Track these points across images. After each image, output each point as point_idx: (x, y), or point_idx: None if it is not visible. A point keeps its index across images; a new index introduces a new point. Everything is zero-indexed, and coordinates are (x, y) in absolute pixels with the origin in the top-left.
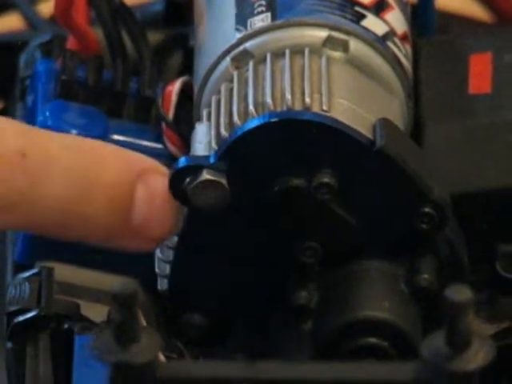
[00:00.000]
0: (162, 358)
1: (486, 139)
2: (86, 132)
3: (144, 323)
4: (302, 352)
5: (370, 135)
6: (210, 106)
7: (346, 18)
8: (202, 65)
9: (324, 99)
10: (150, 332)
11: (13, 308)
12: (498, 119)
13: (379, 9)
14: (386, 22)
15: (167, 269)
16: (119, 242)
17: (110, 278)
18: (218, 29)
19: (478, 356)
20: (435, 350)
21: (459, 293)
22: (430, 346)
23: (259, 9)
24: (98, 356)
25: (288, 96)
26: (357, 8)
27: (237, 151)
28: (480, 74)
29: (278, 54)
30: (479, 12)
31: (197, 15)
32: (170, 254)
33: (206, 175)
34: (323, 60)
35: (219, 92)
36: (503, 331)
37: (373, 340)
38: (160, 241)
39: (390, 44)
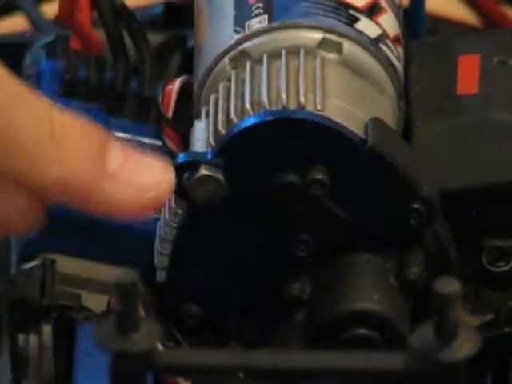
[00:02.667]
0: (159, 346)
1: (473, 138)
2: None
3: (143, 313)
4: (295, 342)
5: (361, 134)
6: (208, 104)
7: (340, 20)
8: (201, 64)
9: (318, 99)
10: (149, 321)
11: (16, 299)
12: (485, 118)
13: (372, 12)
14: (378, 24)
15: (166, 261)
16: (102, 187)
17: (111, 269)
18: (216, 30)
19: (464, 346)
20: (424, 341)
21: (448, 285)
22: (418, 336)
23: (257, 11)
24: (99, 344)
25: (283, 95)
26: (351, 11)
27: (233, 148)
28: (468, 74)
29: (274, 55)
30: (467, 15)
31: (197, 17)
32: (169, 247)
33: (203, 171)
34: (318, 61)
35: (217, 91)
36: (487, 324)
37: (363, 331)
38: (151, 192)
39: (382, 46)
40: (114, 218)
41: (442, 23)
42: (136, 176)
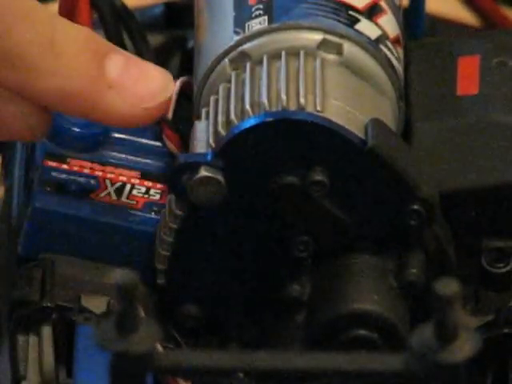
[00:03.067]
0: (159, 348)
1: (473, 139)
2: (87, 129)
3: (143, 314)
4: (295, 343)
5: (361, 135)
6: (208, 105)
7: (340, 21)
8: (201, 65)
9: (318, 100)
10: (149, 322)
11: (16, 299)
12: (485, 119)
13: (372, 13)
14: (378, 25)
15: (165, 263)
16: (100, 96)
17: (111, 270)
18: (216, 31)
19: (464, 348)
20: (423, 342)
21: (447, 286)
22: (418, 337)
23: (257, 12)
24: (99, 345)
25: (283, 96)
26: (351, 12)
27: (233, 149)
28: (468, 75)
29: (275, 56)
30: (467, 16)
31: (196, 17)
32: (169, 249)
33: (203, 172)
34: (318, 62)
35: (217, 92)
36: (487, 324)
37: (362, 332)
38: (150, 102)
39: (382, 47)
40: (113, 126)
41: (441, 24)
42: (136, 85)
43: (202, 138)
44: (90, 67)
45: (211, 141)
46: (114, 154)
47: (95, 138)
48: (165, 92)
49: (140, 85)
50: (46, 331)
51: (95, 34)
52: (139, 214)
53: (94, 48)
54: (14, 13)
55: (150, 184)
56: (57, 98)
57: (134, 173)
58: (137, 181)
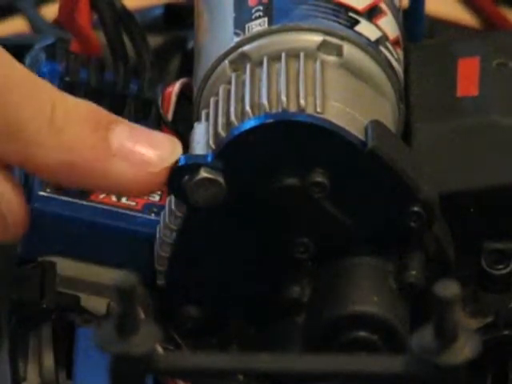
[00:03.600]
0: (159, 349)
1: (473, 140)
2: None
3: (143, 315)
4: (295, 344)
5: (361, 137)
6: (208, 106)
7: (340, 23)
8: (201, 67)
9: (318, 101)
10: (148, 324)
11: (16, 301)
12: (485, 121)
13: (372, 14)
14: (378, 27)
15: (166, 264)
16: (107, 166)
17: (110, 272)
18: (217, 32)
19: (464, 349)
20: (424, 344)
21: (447, 288)
22: (418, 339)
23: (257, 14)
24: (99, 346)
25: (283, 98)
26: (350, 14)
27: (233, 150)
28: (468, 77)
29: (275, 58)
30: (467, 17)
31: (196, 19)
32: (169, 250)
33: (203, 173)
34: (318, 64)
35: (217, 93)
36: (487, 326)
37: (362, 333)
38: (157, 167)
39: (382, 48)
40: (123, 195)
41: (441, 25)
42: (141, 151)
43: (202, 139)
44: (92, 139)
45: (211, 142)
46: None
47: None
48: (172, 156)
49: (146, 150)
50: (46, 332)
51: (96, 106)
52: (139, 215)
53: (95, 121)
54: (12, 88)
55: None
56: (61, 171)
57: None
58: None
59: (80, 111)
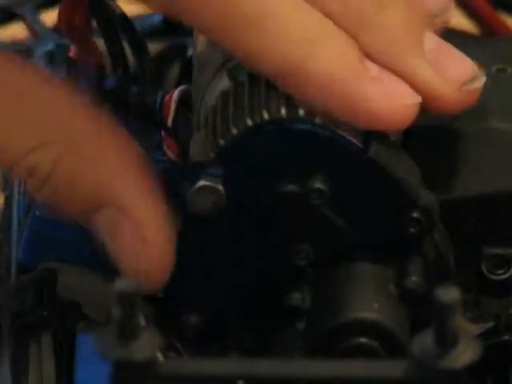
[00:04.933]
0: (159, 356)
1: (473, 146)
2: None
3: (143, 322)
4: (296, 351)
5: (361, 144)
6: (207, 114)
7: None
8: (200, 75)
9: None
10: (150, 330)
11: (16, 308)
12: (484, 127)
13: None
14: None
15: None
16: (363, 88)
17: (111, 278)
18: None
19: (465, 354)
20: (424, 349)
21: (448, 293)
22: (419, 344)
23: None
24: (99, 353)
25: (282, 105)
26: None
27: (232, 158)
28: None
29: None
30: (465, 24)
31: None
32: None
33: (202, 181)
34: None
35: (216, 101)
36: (487, 331)
37: (363, 340)
38: (412, 101)
39: None
40: (367, 123)
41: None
42: (397, 82)
43: (201, 147)
44: (355, 57)
45: (210, 150)
46: None
47: None
48: (417, 95)
49: (398, 84)
50: (47, 340)
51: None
52: None
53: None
54: None
55: None
56: (324, 82)
57: None
58: None
59: (340, 30)
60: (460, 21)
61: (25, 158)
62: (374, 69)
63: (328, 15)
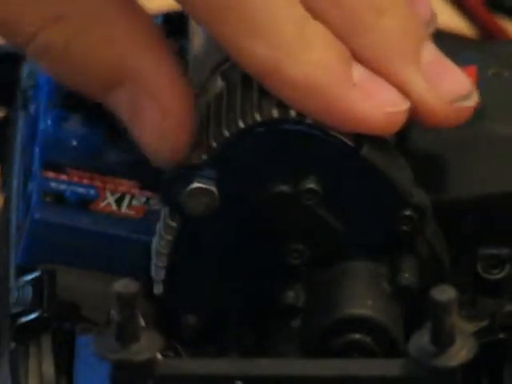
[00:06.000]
0: (159, 356)
1: (469, 148)
2: (85, 141)
3: (143, 323)
4: (292, 349)
5: (353, 143)
6: (201, 115)
7: None
8: (194, 77)
9: None
10: (149, 332)
11: (16, 310)
12: (481, 130)
13: None
14: None
15: (162, 274)
16: (344, 93)
17: (111, 280)
18: (209, 43)
19: (461, 352)
20: (421, 347)
21: (443, 293)
22: (415, 343)
23: None
24: (99, 354)
25: (275, 106)
26: None
27: (225, 160)
28: None
29: None
30: (463, 26)
31: (191, 29)
32: (165, 260)
33: (196, 183)
34: None
35: (209, 103)
36: (483, 330)
37: (357, 336)
38: (389, 108)
39: None
40: (350, 127)
41: (437, 34)
42: (378, 88)
43: (195, 149)
44: (337, 64)
45: (203, 151)
46: (114, 164)
47: (94, 148)
48: (406, 102)
49: (382, 90)
50: (46, 341)
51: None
52: (140, 223)
53: (340, 49)
54: None
55: (150, 194)
56: (302, 86)
57: (133, 183)
58: (137, 190)
59: (327, 34)
60: (457, 24)
61: (39, 33)
62: (358, 73)
63: (323, 17)
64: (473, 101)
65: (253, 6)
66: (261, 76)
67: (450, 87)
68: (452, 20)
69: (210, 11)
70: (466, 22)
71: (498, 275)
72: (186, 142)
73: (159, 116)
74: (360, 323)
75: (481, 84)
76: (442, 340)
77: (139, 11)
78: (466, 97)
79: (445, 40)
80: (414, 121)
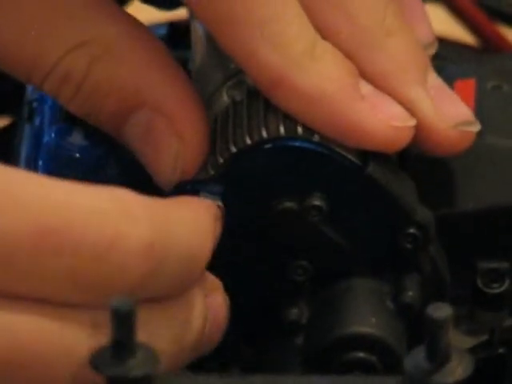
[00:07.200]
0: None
1: (468, 161)
2: (88, 154)
3: (139, 339)
4: (294, 366)
5: (359, 161)
6: None
7: None
8: (198, 89)
9: None
10: (146, 347)
11: None
12: (480, 143)
13: None
14: None
15: None
16: (352, 105)
17: None
18: (214, 58)
19: (457, 370)
20: (417, 365)
21: (439, 310)
22: (412, 360)
23: None
24: (95, 370)
25: (281, 123)
26: None
27: (231, 176)
28: (464, 99)
29: None
30: (464, 36)
31: (195, 42)
32: None
33: (202, 198)
34: None
35: (216, 119)
36: (482, 345)
37: (361, 354)
38: (398, 121)
39: None
40: (355, 141)
41: (439, 44)
42: (384, 104)
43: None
44: (345, 77)
45: (210, 168)
46: (116, 176)
47: (97, 161)
48: (412, 119)
49: (389, 105)
50: None
51: None
52: None
53: (348, 66)
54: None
55: None
56: (311, 98)
57: None
58: None
59: (336, 51)
60: (457, 33)
61: (60, 62)
62: (366, 88)
63: (334, 32)
64: (476, 127)
65: (265, 13)
66: (270, 85)
67: (453, 112)
68: (452, 29)
69: (221, 17)
70: (465, 31)
71: (497, 289)
72: (200, 163)
73: (175, 140)
74: (364, 341)
75: (480, 97)
76: (438, 357)
77: (158, 42)
78: (469, 123)
79: (444, 49)
80: (417, 146)
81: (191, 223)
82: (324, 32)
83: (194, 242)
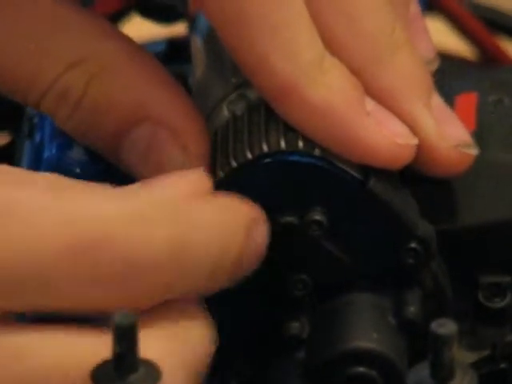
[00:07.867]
0: None
1: (469, 176)
2: (88, 168)
3: (142, 354)
4: (295, 381)
5: (360, 176)
6: None
7: None
8: (198, 104)
9: None
10: (148, 362)
11: None
12: (482, 157)
13: None
14: None
15: None
16: (359, 120)
17: None
18: (214, 72)
19: None
20: (420, 381)
21: (444, 326)
22: (415, 376)
23: None
24: None
25: (281, 138)
26: None
27: (232, 190)
28: (465, 112)
29: None
30: (464, 49)
31: (195, 57)
32: None
33: None
34: None
35: (216, 133)
36: (484, 360)
37: (362, 369)
38: (402, 139)
39: None
40: (361, 157)
41: (440, 56)
42: (389, 121)
43: None
44: (351, 91)
45: None
46: None
47: (97, 176)
48: (415, 138)
49: (393, 122)
50: None
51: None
52: None
53: (354, 81)
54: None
55: None
56: (319, 110)
57: None
58: None
59: (343, 67)
60: (458, 45)
61: (58, 80)
62: (370, 105)
63: (341, 44)
64: (476, 150)
65: (278, 19)
66: (278, 94)
67: (455, 132)
68: (452, 41)
69: (232, 18)
70: (467, 44)
71: (499, 304)
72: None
73: (180, 152)
74: (365, 356)
75: (481, 110)
76: (442, 374)
77: (154, 59)
78: (469, 145)
79: (445, 62)
80: (416, 167)
81: (214, 228)
82: (331, 45)
83: (214, 247)
